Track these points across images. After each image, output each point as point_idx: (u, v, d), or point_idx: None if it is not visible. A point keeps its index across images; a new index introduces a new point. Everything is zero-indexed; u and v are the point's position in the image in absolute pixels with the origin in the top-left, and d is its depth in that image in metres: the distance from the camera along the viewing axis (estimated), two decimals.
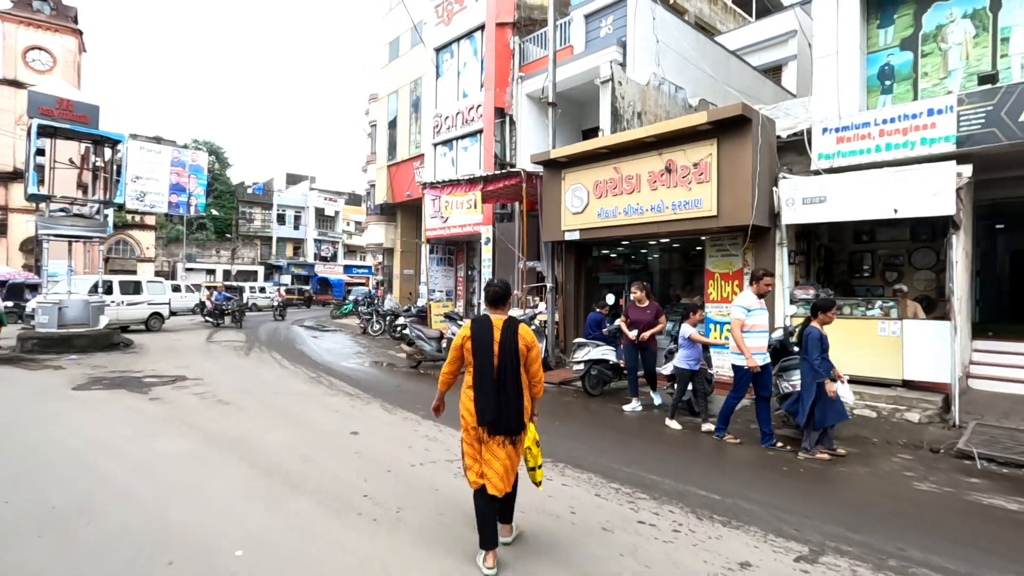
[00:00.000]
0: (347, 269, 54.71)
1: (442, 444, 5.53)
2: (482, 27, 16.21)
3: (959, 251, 7.40)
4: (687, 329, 6.53)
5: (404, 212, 26.98)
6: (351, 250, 58.10)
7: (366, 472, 4.64)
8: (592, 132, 16.95)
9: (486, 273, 15.04)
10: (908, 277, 9.23)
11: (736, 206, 7.78)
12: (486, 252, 15.08)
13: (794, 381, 5.81)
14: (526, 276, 15.08)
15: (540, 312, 10.50)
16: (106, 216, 13.15)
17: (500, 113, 15.38)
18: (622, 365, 7.96)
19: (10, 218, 28.17)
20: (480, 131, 16.44)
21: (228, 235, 45.01)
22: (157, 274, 33.69)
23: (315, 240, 52.26)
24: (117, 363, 10.71)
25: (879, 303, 7.50)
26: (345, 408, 7.12)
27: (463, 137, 17.25)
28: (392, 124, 25.82)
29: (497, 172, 10.82)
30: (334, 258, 54.61)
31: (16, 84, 28.64)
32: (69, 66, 30.30)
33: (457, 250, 19.49)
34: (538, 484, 3.40)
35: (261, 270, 46.29)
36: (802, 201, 7.63)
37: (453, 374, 3.39)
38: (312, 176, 56.82)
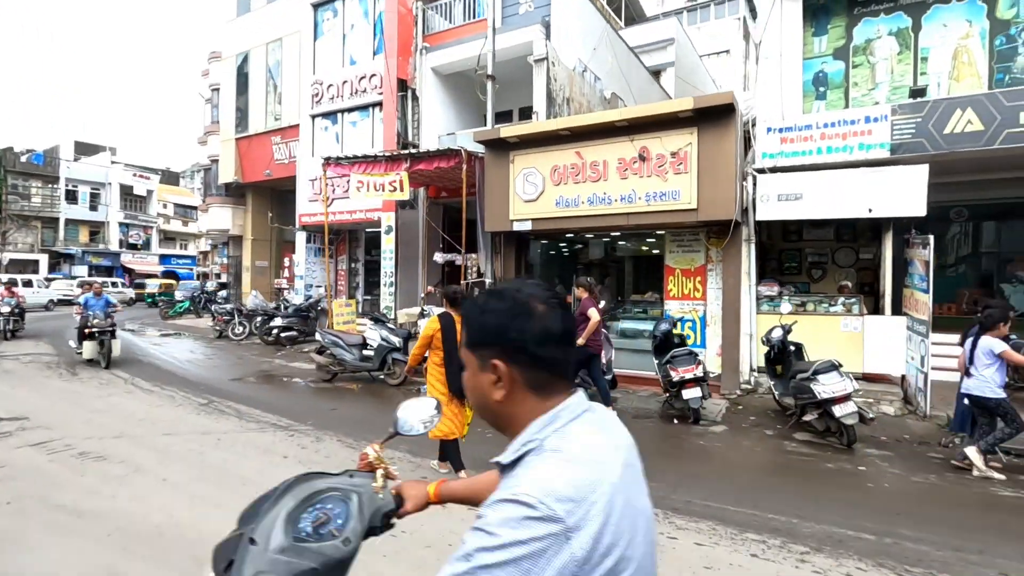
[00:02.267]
0: (164, 259, 46.41)
1: None
2: None
3: (888, 250, 8.02)
4: (994, 344, 4.84)
5: (256, 194, 23.23)
6: (168, 237, 49.51)
7: None
8: (505, 116, 16.01)
9: (387, 266, 13.26)
10: (832, 274, 9.96)
11: (718, 200, 7.48)
12: (387, 242, 13.29)
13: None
14: (428, 271, 13.65)
15: None
16: None
17: (402, 86, 13.61)
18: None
19: None
20: (375, 104, 14.45)
21: None
22: None
23: (121, 224, 43.33)
24: None
25: (842, 300, 7.79)
26: (292, 450, 5.26)
27: (351, 110, 15.04)
28: (242, 90, 21.93)
29: (430, 150, 9.30)
30: (147, 246, 45.94)
31: None
32: None
33: (339, 240, 17.10)
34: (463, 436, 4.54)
35: (44, 259, 36.96)
36: (777, 198, 7.60)
37: (420, 358, 4.66)
38: (111, 147, 46.86)
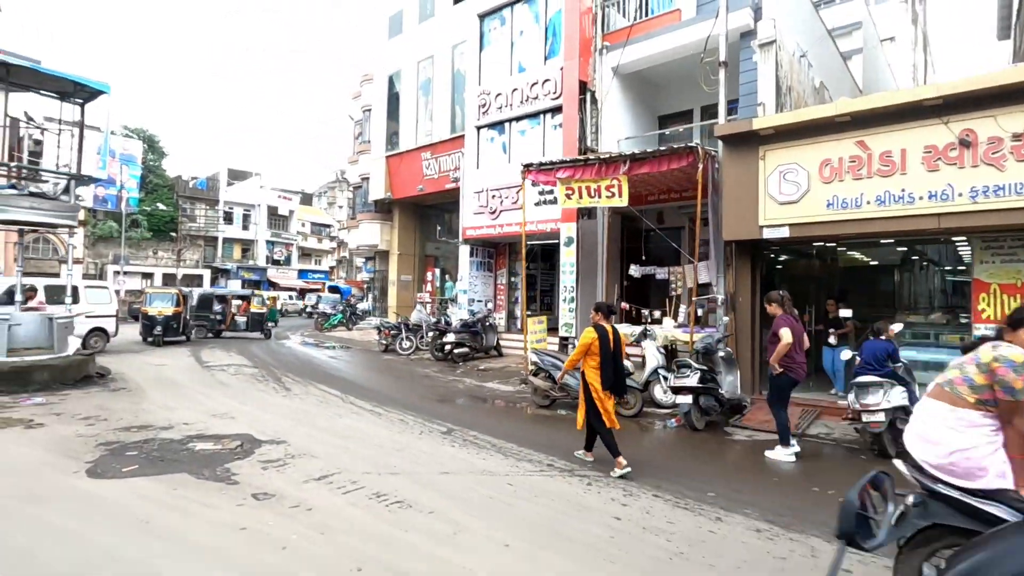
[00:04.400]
0: (302, 274, 49.89)
1: None
2: None
3: None
4: None
5: (403, 210, 23.69)
6: (305, 253, 53.24)
7: None
8: (671, 118, 14.77)
9: (567, 280, 12.35)
10: None
11: None
12: (567, 254, 12.39)
13: None
14: (609, 285, 12.57)
15: (710, 334, 7.94)
16: (78, 197, 9.39)
17: (580, 89, 12.79)
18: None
19: None
20: (548, 111, 13.77)
21: (166, 233, 39.35)
22: (85, 278, 28.25)
23: (267, 242, 47.16)
24: (113, 410, 7.16)
25: None
26: (613, 507, 4.27)
27: (520, 119, 14.48)
28: (393, 110, 22.52)
29: (659, 149, 8.22)
30: (288, 262, 49.63)
31: None
32: None
33: (498, 253, 16.61)
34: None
35: (207, 274, 40.91)
36: None
37: (576, 362, 5.37)
38: (257, 172, 51.35)
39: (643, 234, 13.80)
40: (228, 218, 45.13)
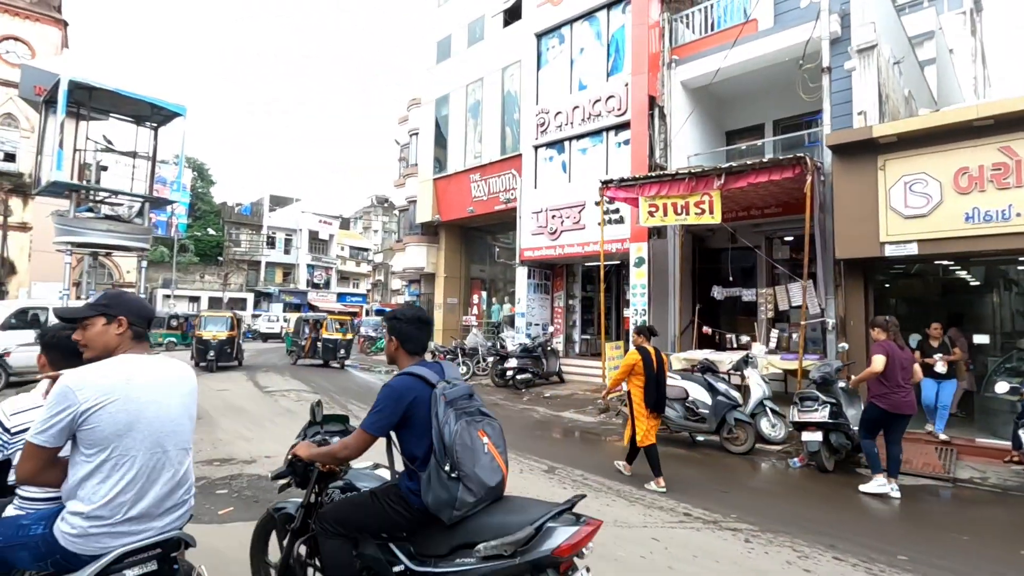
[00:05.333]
0: (340, 297, 50.28)
1: None
2: (617, 1, 13.27)
3: None
4: None
5: (449, 232, 23.48)
6: (343, 277, 53.81)
7: None
8: (739, 134, 14.17)
9: (638, 303, 11.71)
10: None
11: None
12: (638, 276, 11.78)
13: None
14: (681, 311, 11.86)
15: (827, 363, 7.17)
16: (151, 221, 9.26)
17: (650, 104, 12.32)
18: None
19: None
20: (611, 128, 13.34)
21: (212, 258, 40.22)
22: None
23: (308, 266, 47.79)
24: (200, 442, 6.81)
25: None
26: None
27: (581, 136, 14.08)
28: (440, 133, 22.52)
29: (762, 161, 7.61)
30: (327, 285, 50.14)
31: None
32: (49, 61, 25.91)
33: (554, 275, 16.09)
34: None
35: (251, 297, 41.52)
36: None
37: (619, 382, 5.70)
38: (297, 198, 52.44)
39: (717, 254, 13.14)
40: (271, 243, 46.00)
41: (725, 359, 9.43)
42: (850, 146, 7.25)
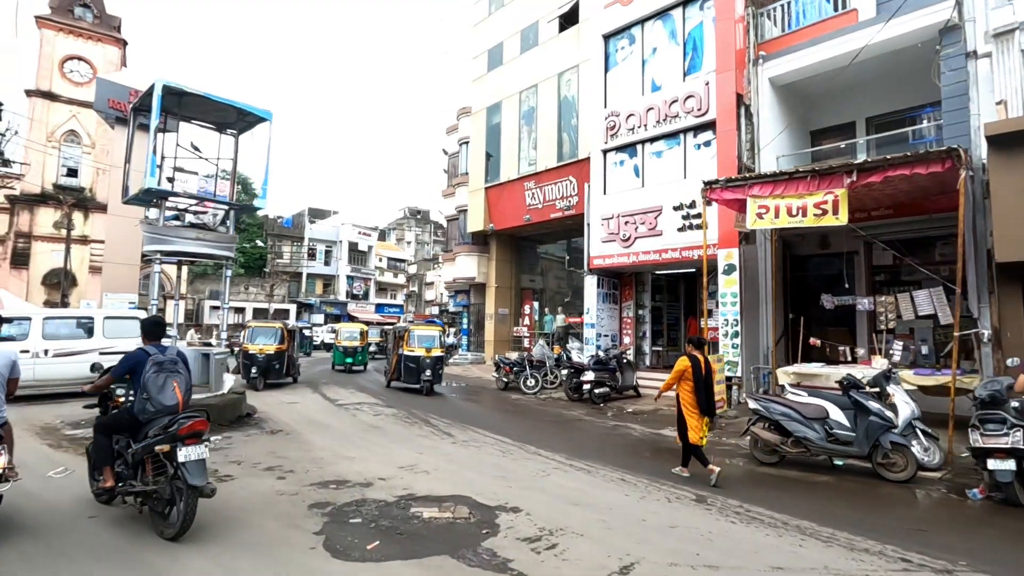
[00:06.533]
0: (378, 308, 50.39)
1: None
2: None
3: None
4: None
5: (500, 242, 23.07)
6: (381, 288, 54.00)
7: None
8: (824, 133, 13.36)
9: (729, 313, 10.98)
10: None
11: None
12: (727, 284, 11.06)
13: None
14: (775, 321, 11.07)
15: (995, 379, 6.36)
16: (233, 229, 9.00)
17: (738, 102, 11.66)
18: None
19: (34, 247, 23.74)
20: (689, 129, 12.71)
21: (256, 270, 40.71)
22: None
23: (348, 276, 48.07)
24: (289, 458, 6.37)
25: None
26: None
27: (655, 139, 13.48)
28: (492, 141, 22.20)
29: (906, 155, 6.89)
30: (366, 296, 50.35)
31: (50, 96, 24.83)
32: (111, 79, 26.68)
33: (623, 283, 15.43)
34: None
35: (293, 308, 41.88)
36: None
37: (671, 387, 6.22)
38: (335, 211, 52.96)
39: (805, 261, 12.32)
40: (311, 254, 46.46)
41: (832, 373, 8.68)
42: (1004, 138, 6.47)
